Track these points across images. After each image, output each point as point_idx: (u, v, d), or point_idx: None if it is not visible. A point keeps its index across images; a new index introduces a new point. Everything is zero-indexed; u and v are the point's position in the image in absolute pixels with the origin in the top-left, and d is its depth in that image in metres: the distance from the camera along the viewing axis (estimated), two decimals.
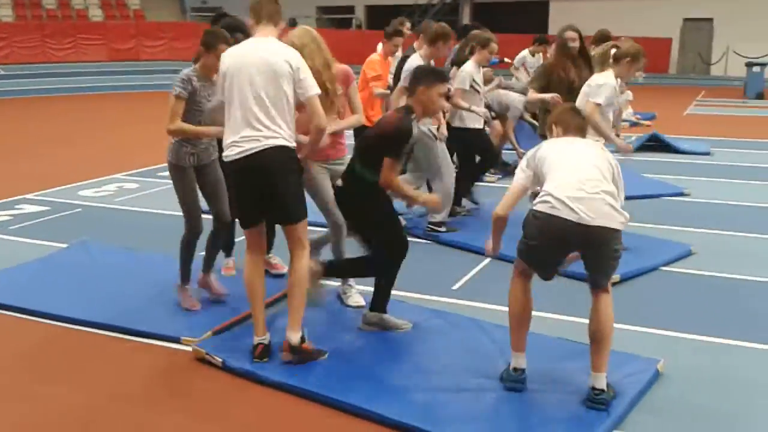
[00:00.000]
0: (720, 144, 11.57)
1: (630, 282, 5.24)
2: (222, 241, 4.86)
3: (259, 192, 3.82)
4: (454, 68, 9.20)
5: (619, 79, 5.71)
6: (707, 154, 10.77)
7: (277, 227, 4.62)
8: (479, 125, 6.79)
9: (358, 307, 4.67)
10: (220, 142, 4.12)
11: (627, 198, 3.66)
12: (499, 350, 3.96)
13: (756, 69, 20.41)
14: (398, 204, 7.01)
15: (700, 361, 4.06)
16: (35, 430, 3.42)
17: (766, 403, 3.61)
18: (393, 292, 4.74)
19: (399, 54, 7.47)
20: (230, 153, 3.80)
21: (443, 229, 6.34)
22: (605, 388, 3.44)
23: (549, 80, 6.47)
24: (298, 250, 3.92)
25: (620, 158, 4.39)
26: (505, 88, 9.18)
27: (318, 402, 3.57)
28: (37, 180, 8.76)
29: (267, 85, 3.75)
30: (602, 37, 7.51)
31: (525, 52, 11.06)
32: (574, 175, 3.40)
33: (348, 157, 4.63)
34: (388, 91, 6.83)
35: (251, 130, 3.74)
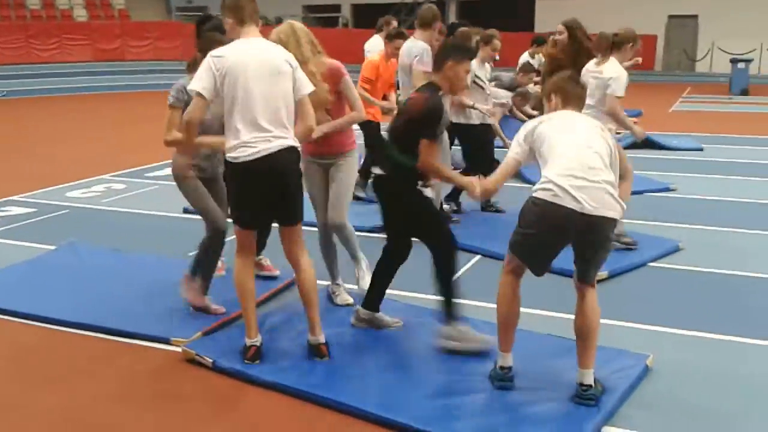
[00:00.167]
0: (707, 140, 11.64)
1: (618, 278, 5.27)
2: (215, 251, 4.74)
3: (270, 192, 3.79)
4: None
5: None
6: (699, 150, 10.86)
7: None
8: (483, 121, 6.78)
9: (347, 305, 4.67)
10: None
11: None
12: (487, 347, 3.97)
13: (741, 65, 20.57)
14: None
15: (688, 356, 4.08)
16: (16, 426, 3.40)
17: (755, 397, 3.63)
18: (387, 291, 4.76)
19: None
20: (241, 154, 3.68)
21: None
22: (593, 383, 3.45)
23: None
24: (301, 250, 3.95)
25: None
26: (493, 79, 9.18)
27: (310, 401, 3.57)
28: (23, 181, 8.70)
29: (272, 85, 3.73)
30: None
31: (525, 56, 10.99)
32: (575, 161, 3.33)
33: (351, 153, 4.64)
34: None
35: (260, 131, 3.68)
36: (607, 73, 5.64)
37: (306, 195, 4.16)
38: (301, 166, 4.25)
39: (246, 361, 3.86)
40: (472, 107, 6.54)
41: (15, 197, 7.98)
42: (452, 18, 28.48)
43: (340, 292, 4.79)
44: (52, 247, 5.98)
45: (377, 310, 4.33)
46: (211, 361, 3.92)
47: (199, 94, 3.66)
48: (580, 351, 3.48)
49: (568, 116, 3.59)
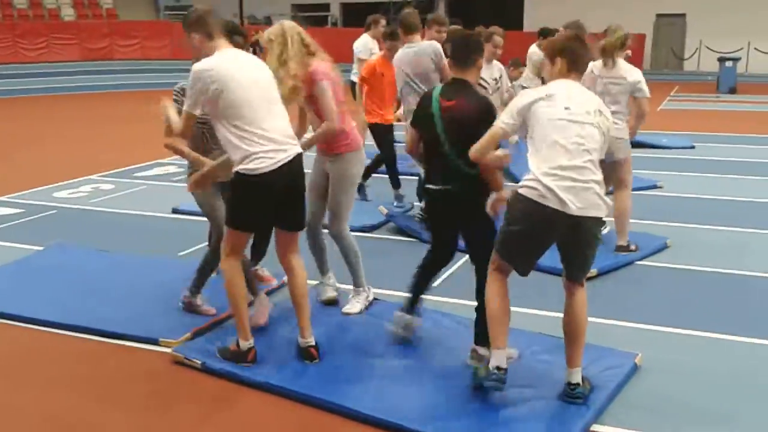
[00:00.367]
0: (696, 138, 11.70)
1: (607, 276, 5.28)
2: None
3: (285, 200, 3.82)
4: None
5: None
6: (691, 148, 10.92)
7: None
8: None
9: (329, 301, 4.68)
10: None
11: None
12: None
13: (728, 64, 20.66)
14: (389, 198, 7.06)
15: (677, 354, 4.10)
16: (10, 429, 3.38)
17: (743, 394, 3.65)
18: (374, 290, 4.77)
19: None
20: (260, 165, 3.63)
21: None
22: (581, 382, 3.46)
23: None
24: (297, 254, 3.99)
25: None
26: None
27: (301, 402, 3.56)
28: (10, 182, 8.65)
29: (271, 95, 3.79)
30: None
31: (534, 48, 10.80)
32: (565, 158, 3.23)
33: (350, 155, 4.46)
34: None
35: (271, 141, 3.68)
36: (632, 77, 5.58)
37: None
38: None
39: (246, 364, 3.84)
40: None
41: (2, 198, 7.93)
42: (442, 14, 28.48)
43: (325, 288, 4.75)
44: (40, 248, 5.95)
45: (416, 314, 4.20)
46: (200, 362, 3.90)
47: (192, 115, 3.69)
48: (569, 350, 3.48)
49: (570, 94, 3.37)
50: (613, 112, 5.61)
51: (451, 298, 4.86)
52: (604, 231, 5.74)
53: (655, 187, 8.23)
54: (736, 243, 6.18)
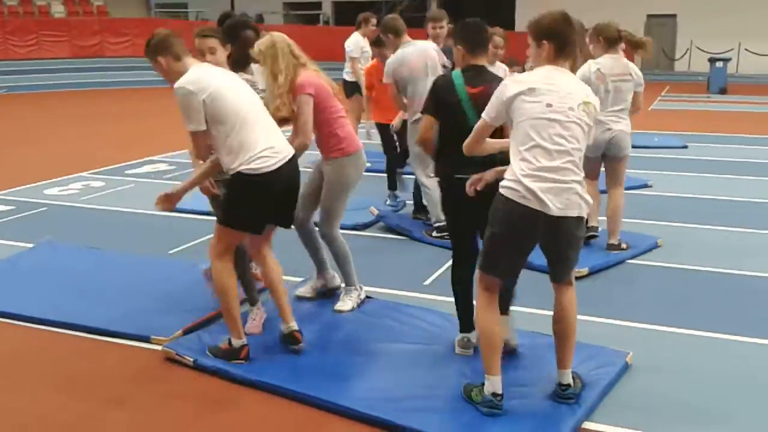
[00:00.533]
0: (687, 138, 11.74)
1: (598, 275, 5.30)
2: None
3: (282, 199, 3.89)
4: None
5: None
6: (684, 147, 10.98)
7: None
8: None
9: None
10: None
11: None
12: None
13: (719, 64, 20.74)
14: (382, 197, 7.06)
15: (668, 352, 4.11)
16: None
17: (733, 393, 3.67)
18: (366, 288, 4.77)
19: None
20: (262, 165, 3.67)
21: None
22: (572, 382, 3.44)
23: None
24: (270, 246, 4.06)
25: None
26: None
27: (293, 399, 3.56)
28: (0, 179, 8.60)
29: (256, 102, 3.87)
30: None
31: None
32: (545, 160, 3.15)
33: (344, 160, 4.43)
34: None
35: (268, 143, 3.73)
36: (636, 72, 5.59)
37: None
38: None
39: (238, 362, 3.84)
40: None
41: None
42: None
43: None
44: (30, 245, 5.92)
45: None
46: (191, 360, 3.90)
47: (200, 132, 3.68)
48: (560, 351, 3.45)
49: (553, 87, 3.21)
50: (621, 110, 5.65)
51: (441, 296, 4.85)
52: (600, 230, 5.79)
53: (645, 186, 8.26)
54: (729, 242, 6.20)
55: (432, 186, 5.90)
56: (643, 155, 10.16)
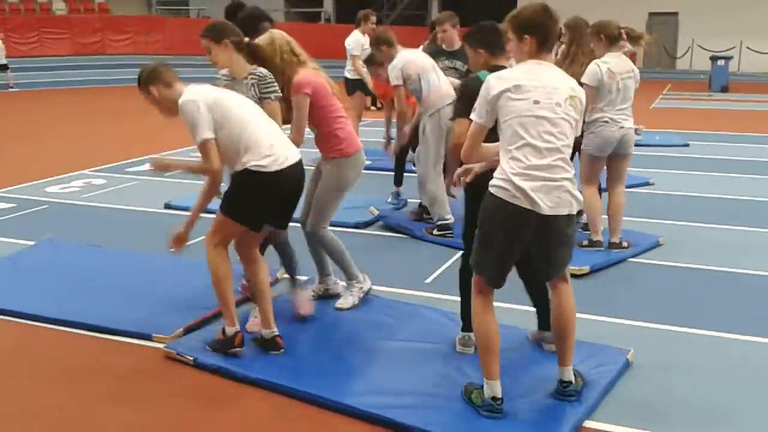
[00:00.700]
0: (689, 137, 11.74)
1: (599, 273, 5.30)
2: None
3: (287, 200, 3.91)
4: None
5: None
6: (685, 146, 10.98)
7: None
8: None
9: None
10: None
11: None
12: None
13: (720, 63, 20.75)
14: (382, 196, 7.06)
15: (669, 351, 4.11)
16: (4, 428, 3.36)
17: (735, 392, 3.66)
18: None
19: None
20: (273, 162, 3.69)
21: (450, 233, 6.05)
22: (573, 379, 3.43)
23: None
24: (258, 250, 4.08)
25: None
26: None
27: (295, 398, 3.56)
28: (1, 176, 8.61)
29: (259, 109, 3.93)
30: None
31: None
32: (535, 158, 3.10)
33: (342, 160, 4.41)
34: None
35: (274, 143, 3.76)
36: (635, 68, 5.62)
37: None
38: None
39: (233, 350, 3.87)
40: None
41: None
42: (435, 12, 28.49)
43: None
44: (31, 243, 5.92)
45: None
46: (192, 358, 3.90)
47: (210, 141, 3.67)
48: (560, 348, 3.44)
49: (539, 83, 3.16)
50: (628, 107, 5.63)
51: (442, 294, 4.86)
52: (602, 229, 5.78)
53: (647, 184, 8.26)
54: (731, 241, 6.20)
55: (439, 185, 5.93)
56: (644, 153, 10.15)
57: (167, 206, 7.16)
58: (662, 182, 8.39)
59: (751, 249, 5.96)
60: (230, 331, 3.90)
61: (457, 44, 6.53)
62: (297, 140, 4.30)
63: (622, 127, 5.49)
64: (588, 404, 3.41)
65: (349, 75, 9.55)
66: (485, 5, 27.66)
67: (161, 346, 4.07)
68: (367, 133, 10.03)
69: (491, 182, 3.21)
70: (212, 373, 3.80)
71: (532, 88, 3.14)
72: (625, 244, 5.71)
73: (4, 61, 20.14)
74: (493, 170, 3.27)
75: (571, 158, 3.27)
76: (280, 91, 4.20)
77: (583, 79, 5.33)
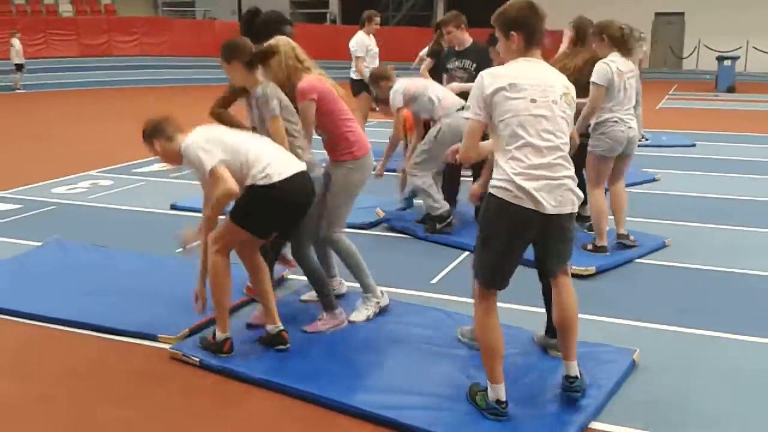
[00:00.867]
0: (695, 137, 11.72)
1: (605, 274, 5.29)
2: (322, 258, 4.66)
3: (293, 210, 3.95)
4: (429, 59, 9.18)
5: None
6: (692, 146, 10.97)
7: None
8: None
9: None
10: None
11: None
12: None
13: (727, 63, 20.71)
14: (388, 195, 7.05)
15: (675, 352, 4.10)
16: (11, 430, 3.38)
17: (741, 393, 3.65)
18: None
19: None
20: (273, 175, 3.76)
21: (448, 225, 6.12)
22: (578, 374, 3.40)
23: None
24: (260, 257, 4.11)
25: None
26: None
27: (301, 399, 3.56)
28: (8, 177, 8.64)
29: (256, 135, 4.04)
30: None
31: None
32: (536, 158, 3.09)
33: (351, 163, 4.38)
34: None
35: (272, 157, 3.83)
36: (636, 68, 5.58)
37: None
38: None
39: (222, 355, 3.88)
40: None
41: (0, 193, 7.92)
42: (440, 13, 28.48)
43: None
44: (38, 244, 5.94)
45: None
46: (198, 359, 3.90)
47: (218, 164, 3.72)
48: (564, 343, 3.43)
49: (534, 81, 3.14)
50: (633, 107, 5.61)
51: (448, 295, 4.86)
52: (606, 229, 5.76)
53: (653, 180, 8.27)
54: (737, 242, 6.18)
55: (427, 181, 6.06)
56: (651, 154, 10.14)
57: (173, 207, 7.17)
58: (668, 182, 8.38)
59: (757, 250, 5.94)
60: (220, 336, 3.93)
61: (467, 44, 6.53)
62: (305, 146, 4.31)
63: (631, 128, 5.47)
64: (594, 406, 3.40)
65: (354, 76, 9.57)
66: (490, 5, 27.71)
67: (167, 346, 4.08)
68: (374, 133, 10.01)
69: (491, 183, 3.18)
70: (218, 374, 3.81)
71: (528, 86, 3.12)
72: (632, 237, 5.72)
73: (21, 61, 20.34)
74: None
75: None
76: (277, 108, 4.10)
77: (594, 79, 5.30)
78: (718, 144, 11.33)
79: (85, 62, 24.10)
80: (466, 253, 5.71)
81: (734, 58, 21.01)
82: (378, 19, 9.69)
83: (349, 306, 4.50)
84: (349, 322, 4.39)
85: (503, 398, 3.29)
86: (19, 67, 20.38)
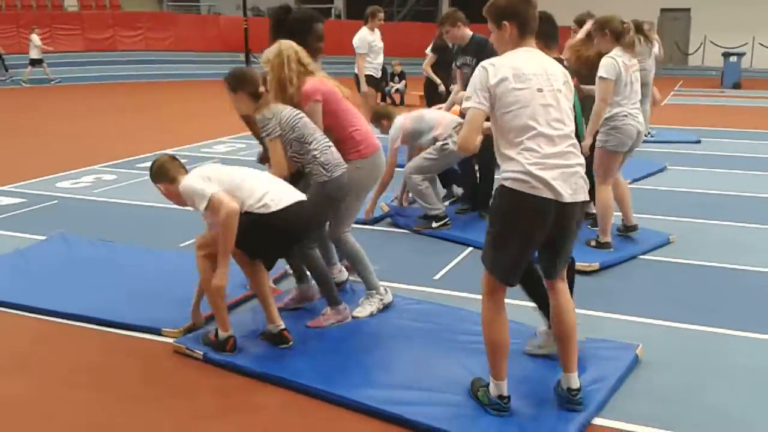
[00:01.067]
0: (701, 133, 11.68)
1: (609, 270, 5.27)
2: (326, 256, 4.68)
3: (287, 236, 4.01)
4: (432, 55, 9.16)
5: None
6: (697, 142, 10.94)
7: None
8: None
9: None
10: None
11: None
12: (479, 340, 3.95)
13: (733, 59, 20.67)
14: (392, 190, 7.04)
15: (679, 348, 4.09)
16: (16, 427, 3.38)
17: (744, 389, 3.64)
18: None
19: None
20: (270, 204, 3.82)
21: (446, 223, 6.18)
22: (580, 386, 3.33)
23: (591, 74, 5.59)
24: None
25: None
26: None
27: (304, 393, 3.56)
28: (13, 171, 8.66)
29: (252, 170, 4.09)
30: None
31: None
32: (549, 147, 3.04)
33: (359, 162, 4.34)
34: None
35: (269, 188, 3.89)
36: (637, 63, 5.56)
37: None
38: None
39: (226, 352, 3.88)
40: None
41: (4, 187, 7.94)
42: (445, 6, 28.41)
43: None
44: (42, 238, 5.95)
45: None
46: (201, 353, 3.91)
47: (216, 192, 3.78)
48: (564, 353, 3.34)
49: (537, 69, 3.10)
50: (639, 101, 5.59)
51: (451, 290, 4.86)
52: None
53: (664, 169, 8.46)
54: (741, 238, 6.16)
55: (422, 182, 6.15)
56: (656, 150, 10.11)
57: None
58: (673, 179, 8.35)
59: (762, 246, 5.92)
60: (223, 335, 3.93)
61: (467, 39, 6.52)
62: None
63: (640, 122, 5.45)
64: (598, 400, 3.38)
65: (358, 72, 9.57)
66: None
67: (171, 340, 4.08)
68: (377, 132, 10.01)
69: (503, 176, 3.11)
70: (221, 368, 3.81)
71: (532, 75, 3.08)
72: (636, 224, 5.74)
73: (39, 57, 20.42)
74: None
75: None
76: (275, 130, 4.09)
77: (602, 74, 5.25)
78: (724, 140, 11.29)
79: (90, 57, 24.11)
80: (470, 248, 5.71)
81: (740, 55, 20.96)
82: (382, 15, 9.68)
83: (354, 303, 4.50)
84: (353, 317, 4.38)
85: (506, 393, 3.28)
86: (37, 62, 20.47)
